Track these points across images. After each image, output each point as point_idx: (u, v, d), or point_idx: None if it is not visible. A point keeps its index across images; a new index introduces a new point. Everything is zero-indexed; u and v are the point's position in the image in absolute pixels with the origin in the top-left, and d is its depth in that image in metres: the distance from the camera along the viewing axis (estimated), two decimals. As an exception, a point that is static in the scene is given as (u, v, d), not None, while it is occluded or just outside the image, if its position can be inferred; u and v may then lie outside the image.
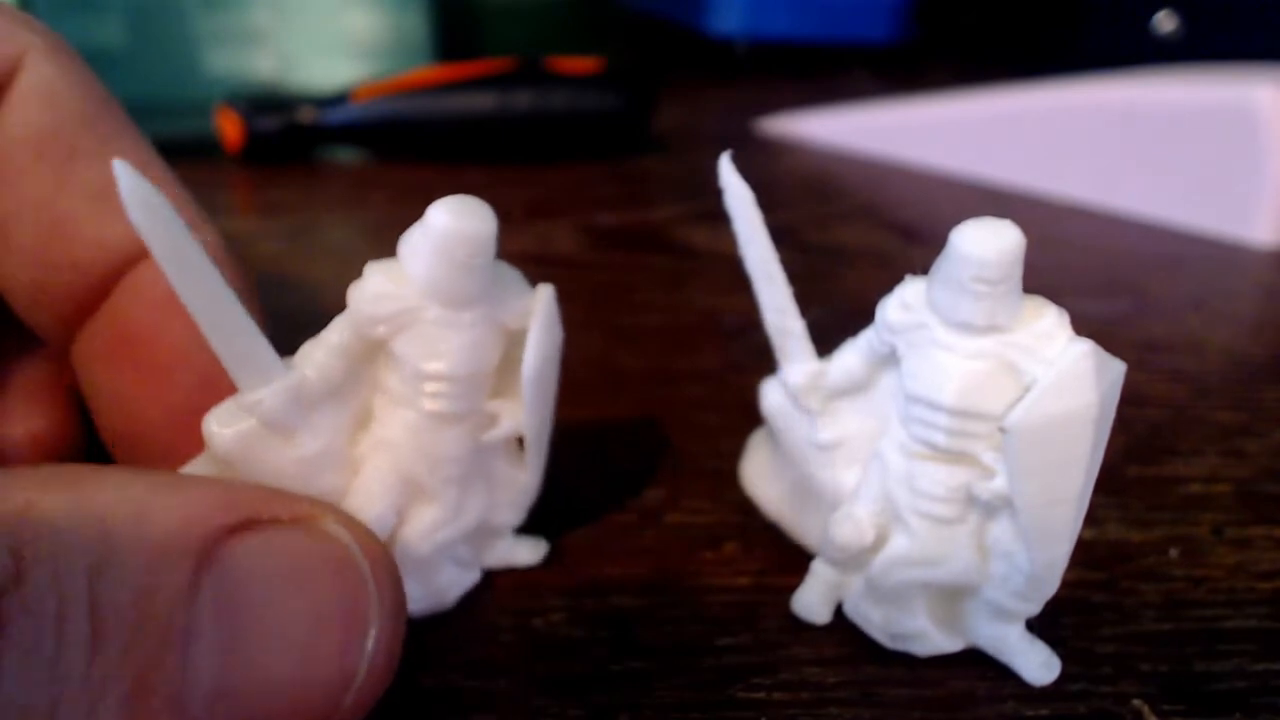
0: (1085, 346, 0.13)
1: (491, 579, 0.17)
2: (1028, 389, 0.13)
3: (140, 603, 0.10)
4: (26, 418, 0.17)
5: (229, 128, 0.42)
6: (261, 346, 0.13)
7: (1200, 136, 0.37)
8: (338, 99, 0.43)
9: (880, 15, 0.68)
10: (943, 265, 0.13)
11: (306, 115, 0.42)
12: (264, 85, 0.51)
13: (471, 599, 0.16)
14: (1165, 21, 0.58)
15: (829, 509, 0.15)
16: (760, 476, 0.18)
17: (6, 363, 0.17)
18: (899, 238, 0.37)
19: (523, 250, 0.33)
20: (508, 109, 0.43)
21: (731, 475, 0.19)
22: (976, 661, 0.15)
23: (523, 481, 0.16)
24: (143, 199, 0.11)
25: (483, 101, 0.43)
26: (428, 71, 0.44)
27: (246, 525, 0.11)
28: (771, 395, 0.17)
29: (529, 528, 0.17)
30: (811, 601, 0.16)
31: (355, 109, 0.42)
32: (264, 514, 0.11)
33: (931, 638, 0.15)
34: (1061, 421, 0.13)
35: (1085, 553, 0.18)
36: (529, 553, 0.17)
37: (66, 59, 0.16)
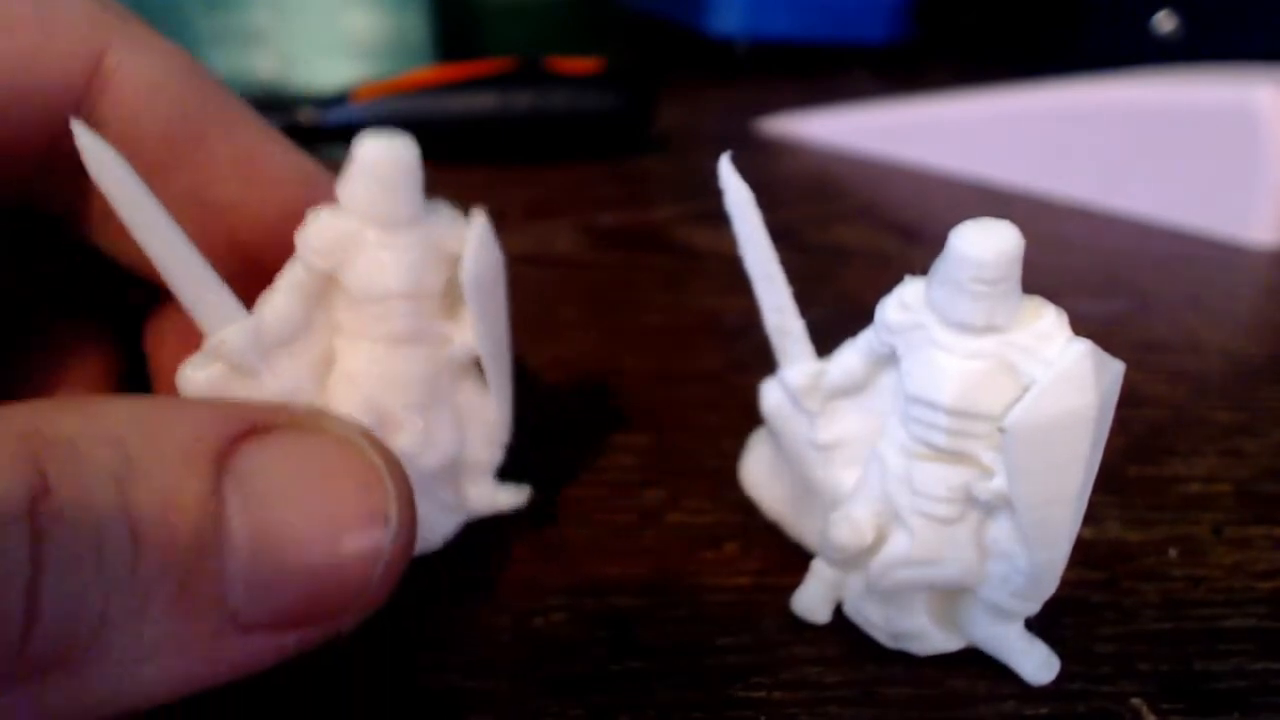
0: (1084, 346, 0.13)
1: (491, 580, 0.17)
2: (1026, 389, 0.13)
3: (170, 508, 0.10)
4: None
5: (229, 128, 0.42)
6: (223, 294, 0.14)
7: (1200, 136, 0.37)
8: (338, 99, 0.43)
9: (880, 15, 0.68)
10: (941, 266, 0.13)
11: (307, 116, 0.42)
12: (264, 85, 0.51)
13: (471, 599, 0.16)
14: (1165, 21, 0.58)
15: (828, 509, 0.15)
16: (760, 477, 0.18)
17: (59, 360, 0.17)
18: (899, 238, 0.37)
19: (523, 250, 0.33)
20: (508, 109, 0.43)
21: (732, 475, 0.19)
22: (976, 661, 0.15)
23: (492, 412, 0.17)
24: (99, 157, 0.12)
25: (483, 102, 0.43)
26: (428, 72, 0.44)
27: (257, 430, 0.11)
28: (771, 395, 0.17)
29: (528, 517, 0.17)
30: (811, 601, 0.16)
31: (355, 109, 0.42)
32: (270, 421, 0.12)
33: (931, 637, 0.15)
34: (1060, 421, 0.13)
35: (1085, 553, 0.18)
36: (510, 496, 0.17)
37: (152, 40, 0.16)
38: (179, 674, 0.10)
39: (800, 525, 0.17)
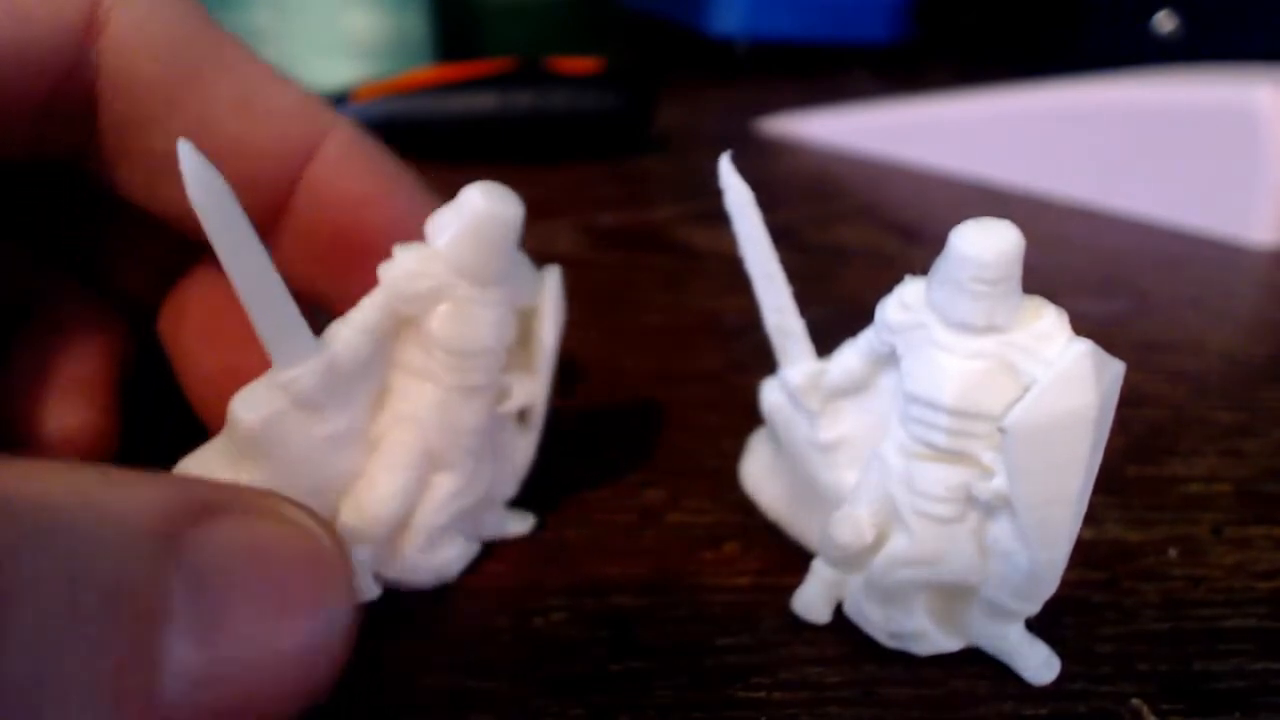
0: (1085, 346, 0.13)
1: (491, 580, 0.17)
2: (1027, 389, 0.13)
3: (114, 592, 0.10)
4: (62, 414, 0.17)
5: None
6: (300, 325, 0.13)
7: (1200, 136, 0.37)
8: (338, 99, 0.43)
9: (880, 15, 0.68)
10: (942, 265, 0.13)
11: (307, 115, 0.42)
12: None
13: (471, 599, 0.16)
14: (1165, 21, 0.58)
15: (829, 509, 0.15)
16: (760, 477, 0.18)
17: (55, 356, 0.17)
18: (899, 238, 0.37)
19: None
20: (508, 109, 0.43)
21: (732, 475, 0.19)
22: (976, 661, 0.15)
23: (523, 453, 0.17)
24: (202, 178, 0.11)
25: (483, 102, 0.43)
26: (428, 72, 0.44)
27: (207, 512, 0.11)
28: (771, 395, 0.17)
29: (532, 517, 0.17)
30: (812, 601, 0.16)
31: (355, 109, 0.42)
32: (222, 503, 0.11)
33: (931, 637, 0.15)
34: (1061, 421, 0.13)
35: (1085, 553, 0.18)
36: (519, 525, 0.18)
37: None
38: None
39: (800, 525, 0.17)
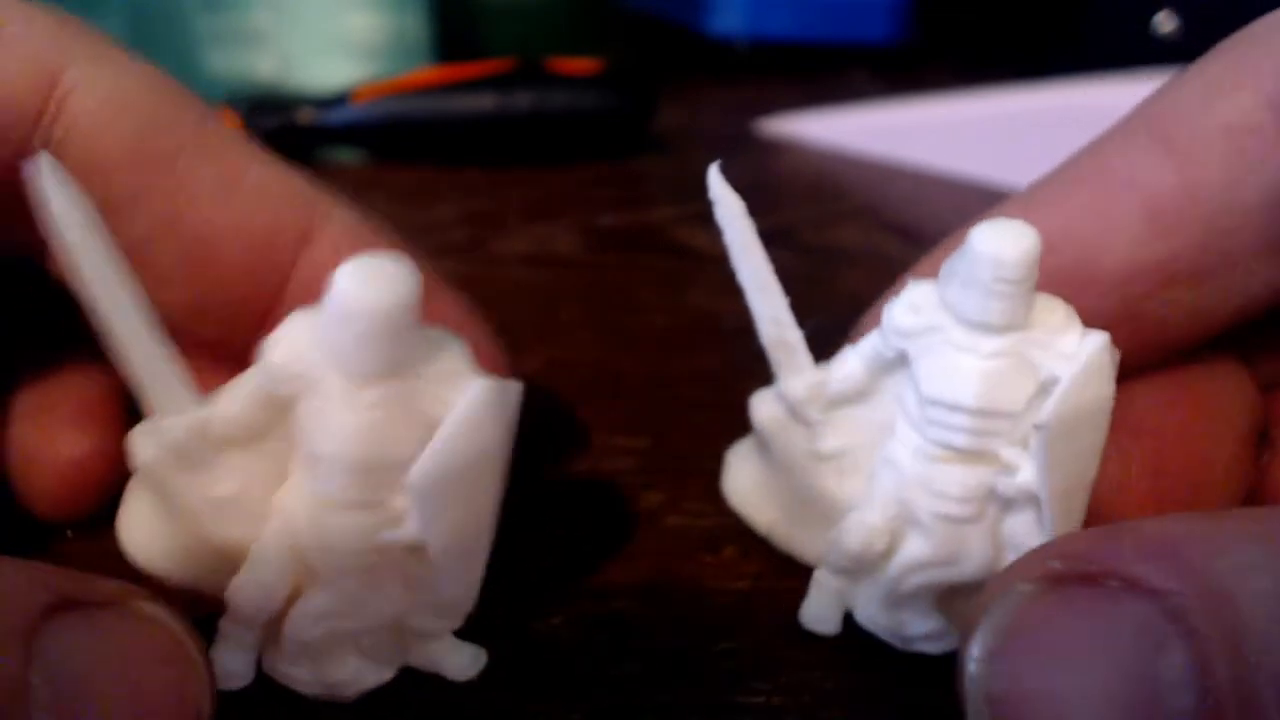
0: (1102, 338, 0.13)
1: (490, 583, 0.17)
2: (1043, 384, 0.13)
3: None
4: (69, 440, 0.16)
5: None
6: (174, 378, 0.12)
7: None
8: (338, 100, 0.43)
9: (880, 15, 0.68)
10: (961, 266, 0.13)
11: (306, 116, 0.42)
12: (264, 86, 0.51)
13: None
14: (1165, 22, 0.58)
15: (832, 520, 0.15)
16: (749, 491, 0.18)
17: (63, 381, 0.17)
18: (899, 238, 0.36)
19: (523, 251, 0.33)
20: (508, 110, 0.42)
21: (731, 478, 0.19)
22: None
23: (448, 588, 0.14)
24: (61, 195, 0.10)
25: (483, 102, 0.42)
26: (428, 72, 0.44)
27: (63, 605, 0.10)
28: (763, 408, 0.16)
29: (527, 519, 0.17)
30: (821, 612, 0.16)
31: (355, 110, 0.42)
32: (82, 595, 0.11)
33: (945, 637, 0.15)
34: (1087, 412, 0.13)
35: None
36: (462, 665, 0.15)
37: (115, 57, 0.15)
38: None
39: (795, 538, 0.17)
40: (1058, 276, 0.14)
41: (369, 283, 0.11)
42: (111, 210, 0.14)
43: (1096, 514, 0.13)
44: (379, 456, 0.12)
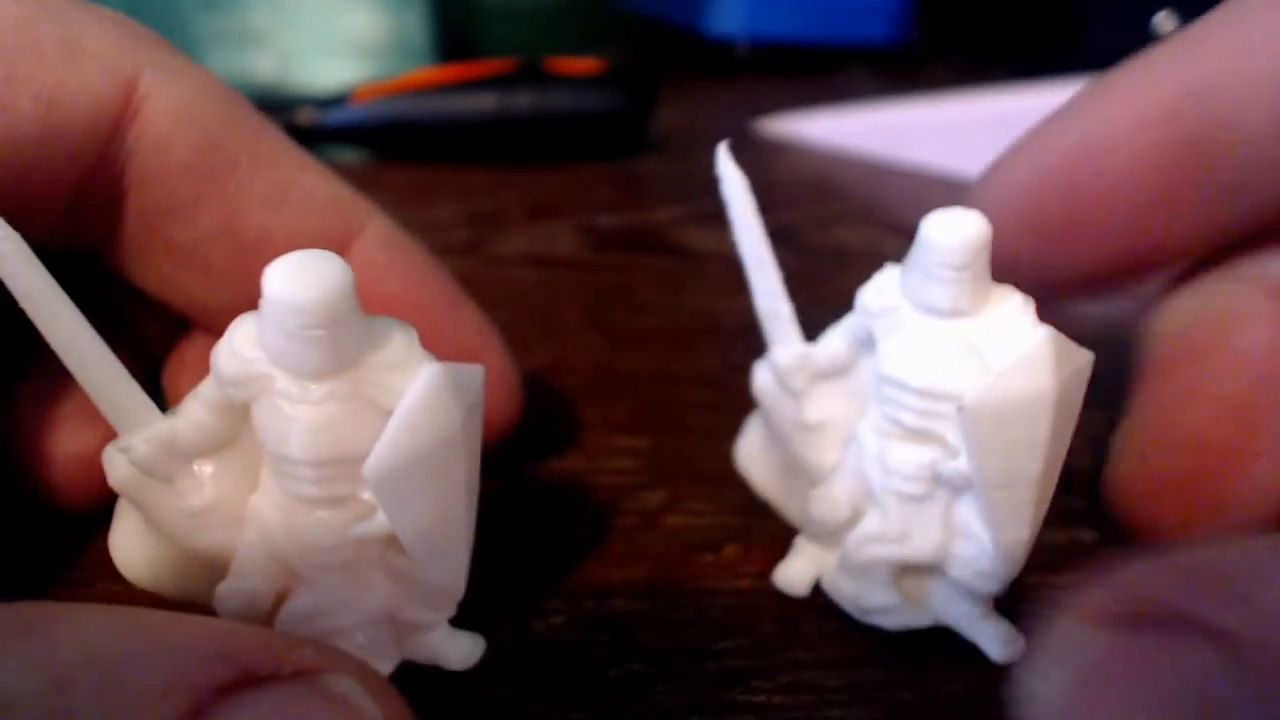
0: (1046, 332, 0.13)
1: (491, 583, 0.17)
2: (991, 372, 0.13)
3: None
4: (74, 436, 0.17)
5: (229, 128, 0.42)
6: (131, 392, 0.12)
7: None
8: (338, 100, 0.43)
9: (880, 15, 0.68)
10: (913, 253, 0.14)
11: (307, 116, 0.42)
12: (264, 86, 0.51)
13: (471, 603, 0.16)
14: (1166, 22, 0.58)
15: (814, 486, 0.16)
16: (752, 455, 0.19)
17: (68, 379, 0.17)
18: (899, 238, 0.36)
19: (523, 251, 0.33)
20: (508, 110, 0.42)
21: (732, 477, 0.19)
22: (978, 665, 0.15)
23: (433, 577, 0.13)
24: (3, 244, 0.11)
25: (483, 102, 0.42)
26: (428, 72, 0.44)
27: (241, 683, 0.09)
28: (761, 376, 0.17)
29: (528, 520, 0.17)
30: (793, 575, 0.16)
31: (356, 110, 0.42)
32: (260, 668, 0.10)
33: (899, 612, 0.15)
34: (1020, 403, 0.13)
35: (1087, 556, 0.17)
36: (461, 653, 0.14)
37: (183, 67, 0.15)
38: None
39: (788, 501, 0.18)
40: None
41: (298, 279, 0.11)
42: (173, 213, 0.15)
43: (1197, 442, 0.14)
44: (338, 452, 0.12)
